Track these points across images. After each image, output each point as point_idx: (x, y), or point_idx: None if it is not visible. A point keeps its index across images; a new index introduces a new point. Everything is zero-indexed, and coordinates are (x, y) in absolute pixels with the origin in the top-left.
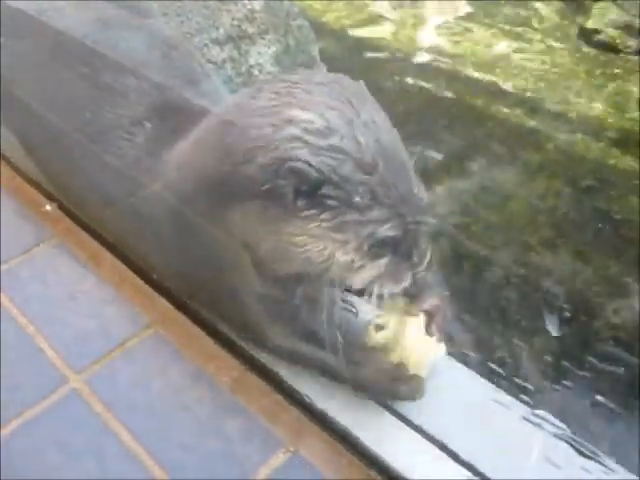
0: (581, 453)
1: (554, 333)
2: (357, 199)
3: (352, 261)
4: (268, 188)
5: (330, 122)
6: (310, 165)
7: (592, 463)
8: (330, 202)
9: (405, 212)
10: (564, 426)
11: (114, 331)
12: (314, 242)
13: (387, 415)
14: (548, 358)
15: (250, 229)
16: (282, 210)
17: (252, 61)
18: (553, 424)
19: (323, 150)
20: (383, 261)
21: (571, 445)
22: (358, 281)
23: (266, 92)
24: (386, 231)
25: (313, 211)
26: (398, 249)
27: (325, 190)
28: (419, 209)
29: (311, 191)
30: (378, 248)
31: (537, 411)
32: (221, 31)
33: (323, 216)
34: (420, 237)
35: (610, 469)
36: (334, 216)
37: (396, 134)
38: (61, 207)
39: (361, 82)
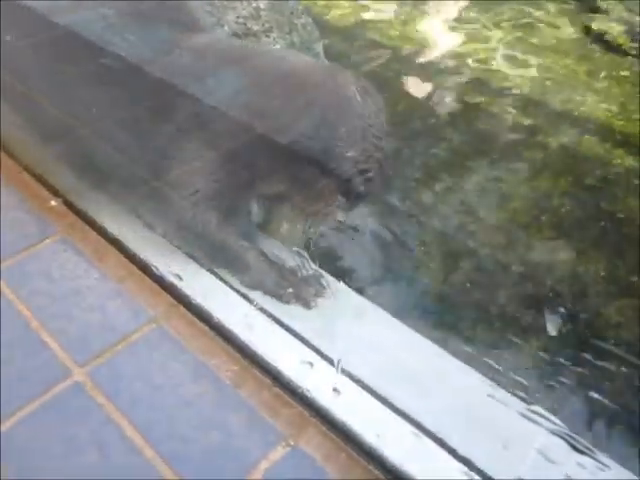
0: (576, 449)
1: (553, 333)
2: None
3: None
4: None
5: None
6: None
7: (587, 459)
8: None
9: None
10: (560, 422)
11: (118, 325)
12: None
13: (386, 410)
14: (546, 356)
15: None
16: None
17: None
18: (549, 420)
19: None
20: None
21: (567, 441)
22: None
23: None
24: None
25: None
26: None
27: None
28: None
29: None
30: None
31: (533, 407)
32: (226, 29)
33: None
34: None
35: (605, 465)
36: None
37: None
38: (66, 203)
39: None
